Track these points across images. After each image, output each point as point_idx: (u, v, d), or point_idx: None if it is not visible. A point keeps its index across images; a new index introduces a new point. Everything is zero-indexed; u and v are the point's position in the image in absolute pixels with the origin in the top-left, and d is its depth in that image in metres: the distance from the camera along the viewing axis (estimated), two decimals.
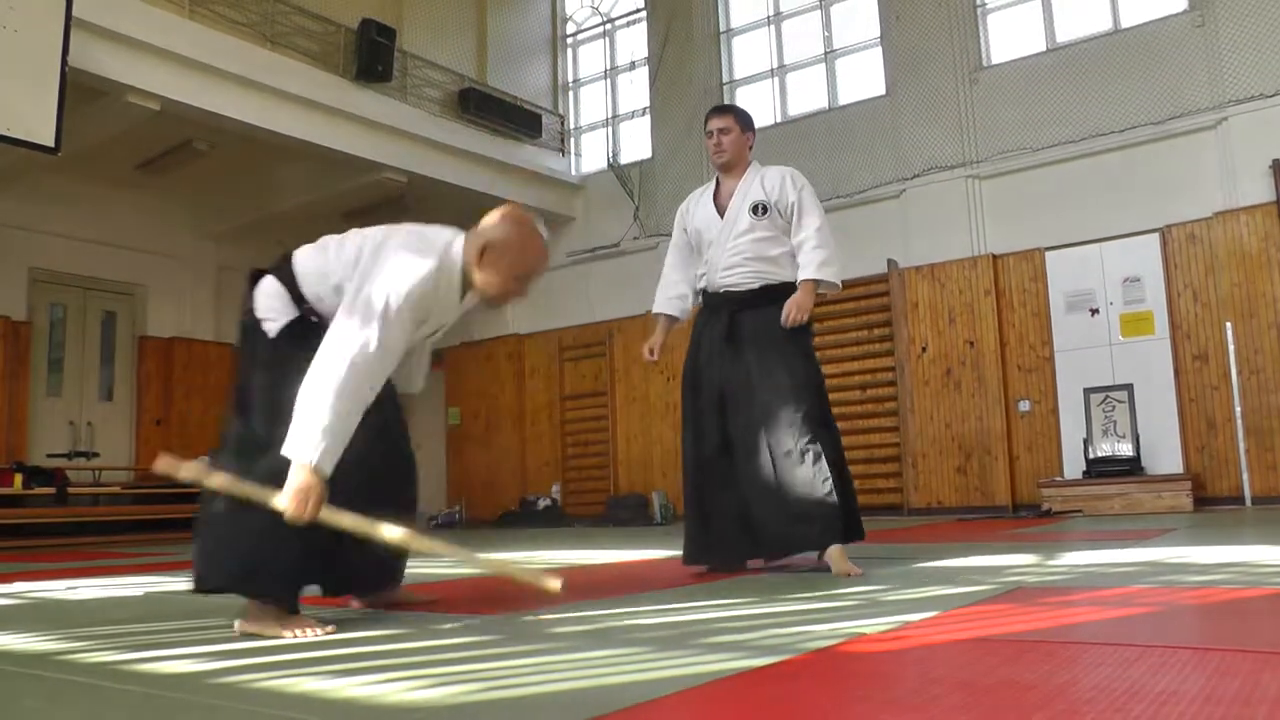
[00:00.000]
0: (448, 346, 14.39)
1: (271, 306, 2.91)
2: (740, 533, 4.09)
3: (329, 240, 3.02)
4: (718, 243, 4.35)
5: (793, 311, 4.16)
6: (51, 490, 10.58)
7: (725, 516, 4.11)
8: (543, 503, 13.12)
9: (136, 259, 12.69)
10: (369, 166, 11.43)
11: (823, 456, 4.01)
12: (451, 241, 2.92)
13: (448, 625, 2.74)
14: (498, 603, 3.26)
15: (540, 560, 5.53)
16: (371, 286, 2.72)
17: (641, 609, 2.93)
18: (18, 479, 10.30)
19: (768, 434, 4.06)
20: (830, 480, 3.98)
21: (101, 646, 2.41)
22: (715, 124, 4.42)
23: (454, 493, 14.38)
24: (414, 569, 5.24)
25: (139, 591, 4.32)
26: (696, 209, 4.50)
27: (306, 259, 2.97)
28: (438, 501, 14.60)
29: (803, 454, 3.99)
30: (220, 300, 13.60)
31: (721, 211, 4.38)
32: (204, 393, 13.15)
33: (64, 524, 10.72)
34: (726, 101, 12.78)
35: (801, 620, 2.57)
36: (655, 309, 4.59)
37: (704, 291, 4.46)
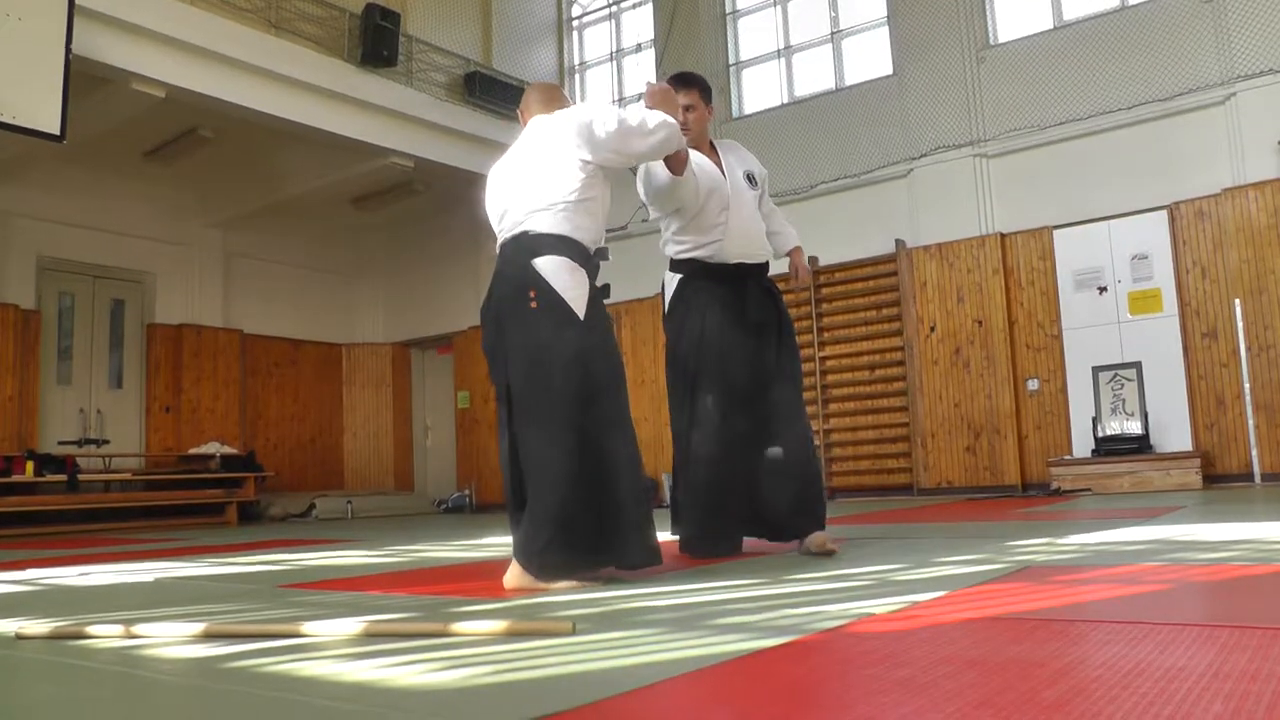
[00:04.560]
0: (456, 332, 14.41)
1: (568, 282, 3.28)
2: (745, 519, 4.09)
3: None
4: (734, 210, 4.12)
5: (804, 274, 4.34)
6: (63, 478, 10.64)
7: (738, 504, 4.04)
8: None
9: (144, 246, 12.72)
10: (375, 151, 11.44)
11: (813, 446, 4.14)
12: None
13: (458, 609, 2.76)
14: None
15: None
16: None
17: (652, 590, 2.94)
18: (29, 467, 10.36)
19: (785, 422, 4.05)
20: (820, 470, 4.12)
21: (114, 632, 2.42)
22: (682, 100, 4.04)
23: (464, 476, 14.41)
24: (422, 552, 5.27)
25: (150, 577, 4.34)
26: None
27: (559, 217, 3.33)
28: (448, 485, 14.65)
29: (808, 443, 4.10)
30: (228, 287, 13.64)
31: None
32: (213, 379, 13.20)
33: (75, 511, 10.80)
34: (732, 83, 12.75)
35: (811, 601, 2.58)
36: None
37: (697, 261, 4.14)
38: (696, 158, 4.00)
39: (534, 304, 3.22)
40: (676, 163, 3.75)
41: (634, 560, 3.22)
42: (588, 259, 3.34)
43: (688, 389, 4.08)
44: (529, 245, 3.29)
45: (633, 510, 3.22)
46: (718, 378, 4.02)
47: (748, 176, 4.25)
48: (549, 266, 3.24)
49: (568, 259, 3.27)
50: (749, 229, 4.17)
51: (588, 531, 3.13)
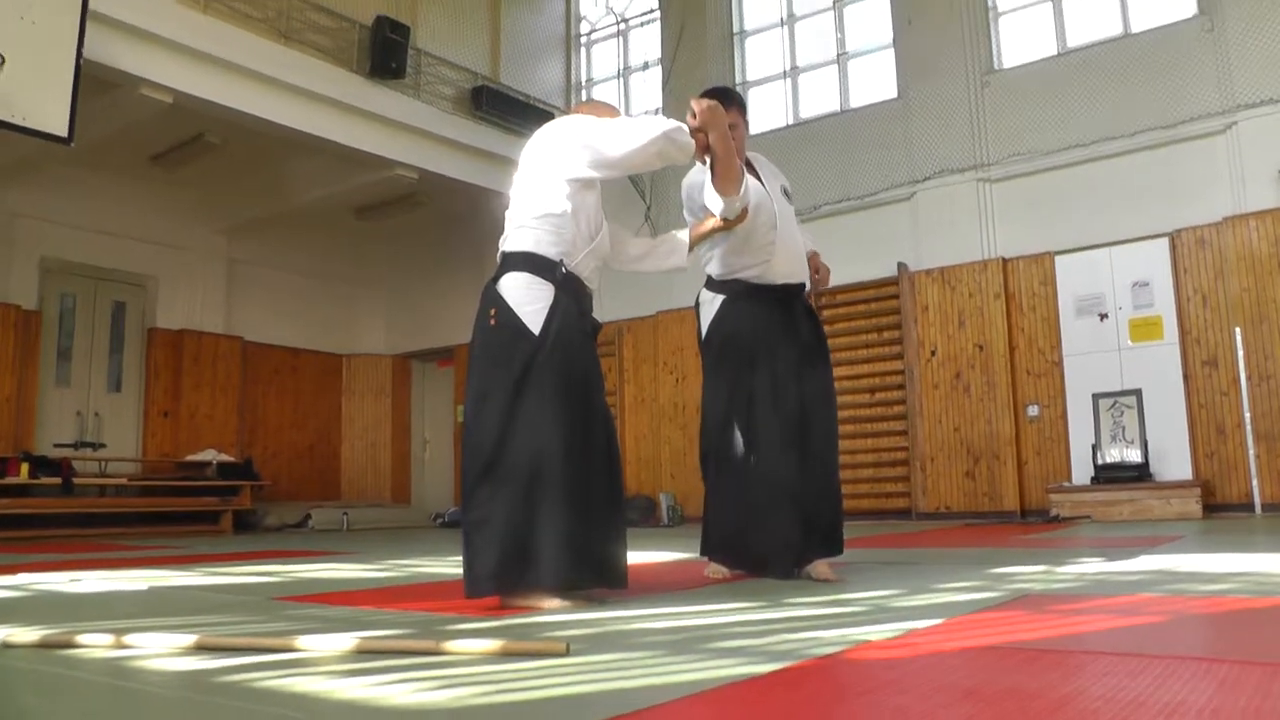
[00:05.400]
0: (457, 344, 14.40)
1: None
2: (793, 541, 3.82)
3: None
4: (780, 228, 3.94)
5: (825, 272, 4.19)
6: (58, 481, 10.59)
7: (795, 523, 3.79)
8: None
9: (147, 250, 12.74)
10: (381, 163, 11.45)
11: (838, 472, 4.05)
12: None
13: (451, 626, 2.74)
14: (502, 606, 3.25)
15: None
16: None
17: (648, 612, 2.92)
18: (24, 468, 10.32)
19: (821, 446, 3.91)
20: (841, 497, 4.02)
21: (104, 642, 2.40)
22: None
23: (461, 491, 14.36)
24: (418, 567, 5.25)
25: (143, 585, 4.32)
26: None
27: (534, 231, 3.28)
28: (445, 499, 14.62)
29: (836, 469, 4.01)
30: (230, 293, 13.66)
31: None
32: (212, 385, 13.20)
33: (69, 515, 10.76)
34: None
35: (808, 626, 2.56)
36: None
37: (742, 281, 3.97)
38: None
39: (493, 321, 3.21)
40: (723, 182, 3.50)
41: (556, 584, 3.11)
42: (552, 270, 3.23)
43: (736, 408, 3.89)
44: (501, 266, 3.31)
45: (580, 533, 3.10)
46: (770, 399, 3.85)
47: (784, 191, 4.10)
48: (508, 284, 3.24)
49: (527, 273, 3.23)
50: (795, 247, 4.03)
51: (534, 553, 3.06)
